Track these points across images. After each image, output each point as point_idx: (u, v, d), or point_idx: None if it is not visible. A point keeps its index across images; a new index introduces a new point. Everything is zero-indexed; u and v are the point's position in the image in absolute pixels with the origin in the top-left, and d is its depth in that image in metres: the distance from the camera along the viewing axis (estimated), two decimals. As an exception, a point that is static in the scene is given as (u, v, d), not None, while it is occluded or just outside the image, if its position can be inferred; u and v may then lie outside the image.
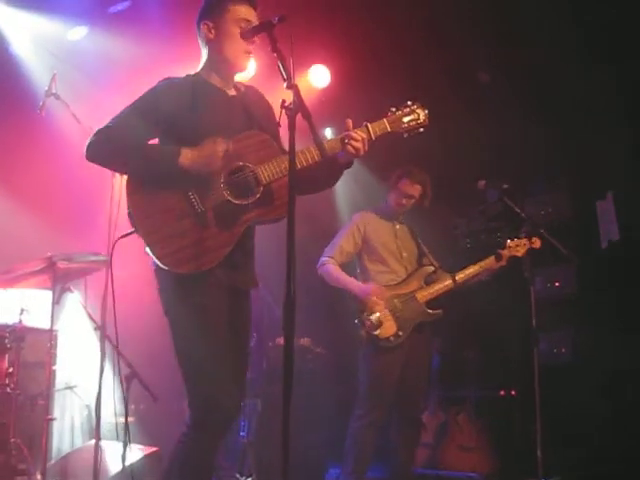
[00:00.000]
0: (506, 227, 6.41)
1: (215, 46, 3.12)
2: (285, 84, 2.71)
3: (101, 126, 2.95)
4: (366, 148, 3.01)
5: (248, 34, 3.05)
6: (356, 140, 2.97)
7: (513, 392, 6.13)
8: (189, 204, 2.89)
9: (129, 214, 2.92)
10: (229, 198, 2.92)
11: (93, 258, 4.08)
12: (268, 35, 2.81)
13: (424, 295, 4.70)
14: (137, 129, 2.93)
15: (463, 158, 6.33)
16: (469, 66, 6.55)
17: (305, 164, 2.96)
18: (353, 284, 4.69)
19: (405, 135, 3.13)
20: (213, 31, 3.10)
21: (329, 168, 3.09)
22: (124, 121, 2.94)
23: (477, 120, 6.47)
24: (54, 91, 4.01)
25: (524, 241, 4.81)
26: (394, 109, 3.13)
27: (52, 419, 4.00)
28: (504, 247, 4.81)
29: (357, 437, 4.58)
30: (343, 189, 6.81)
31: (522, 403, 5.88)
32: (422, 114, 3.13)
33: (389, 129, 3.09)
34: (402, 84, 6.10)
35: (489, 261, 4.80)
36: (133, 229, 2.92)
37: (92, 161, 2.95)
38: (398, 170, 4.89)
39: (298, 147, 2.87)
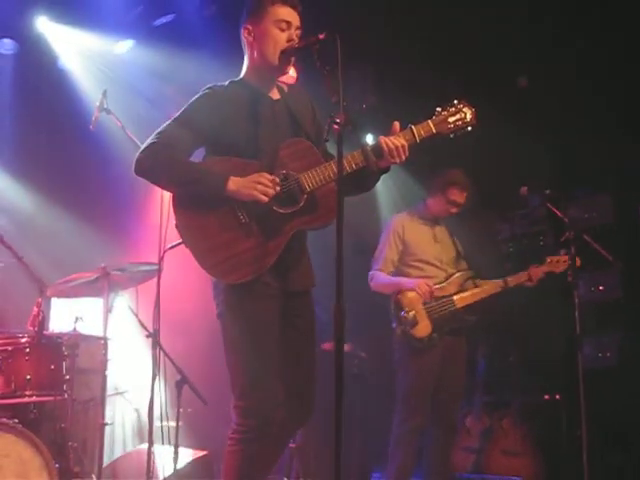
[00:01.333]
0: (549, 231, 6.44)
1: (255, 49, 3.10)
2: (333, 99, 2.74)
3: (147, 141, 2.99)
4: (407, 153, 2.99)
5: (292, 52, 3.04)
6: (392, 146, 2.96)
7: (558, 396, 6.09)
8: (234, 215, 2.95)
9: (176, 226, 2.99)
10: (273, 207, 2.95)
11: (145, 268, 4.19)
12: (314, 52, 2.84)
13: (462, 300, 4.72)
14: (183, 144, 2.97)
15: (507, 163, 6.32)
16: (509, 71, 6.58)
17: (349, 170, 2.95)
18: (403, 279, 4.72)
19: (452, 136, 3.07)
20: (253, 34, 3.10)
21: (367, 174, 3.07)
22: (170, 136, 2.97)
23: (520, 125, 6.49)
24: (105, 106, 4.13)
25: (564, 258, 4.80)
26: (439, 109, 3.08)
27: (105, 424, 4.10)
28: (543, 262, 4.83)
29: (400, 443, 4.59)
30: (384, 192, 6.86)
31: (567, 408, 5.86)
32: (469, 113, 3.06)
33: (434, 130, 3.03)
34: (442, 89, 6.12)
35: (520, 276, 4.82)
36: (180, 240, 3.00)
37: (141, 176, 3.00)
38: (443, 176, 4.87)
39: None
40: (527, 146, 6.22)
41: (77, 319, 4.36)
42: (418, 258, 4.82)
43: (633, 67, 5.48)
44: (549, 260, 4.82)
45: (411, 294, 4.65)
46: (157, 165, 2.95)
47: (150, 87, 5.96)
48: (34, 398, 3.97)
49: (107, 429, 4.97)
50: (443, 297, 4.70)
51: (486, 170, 6.14)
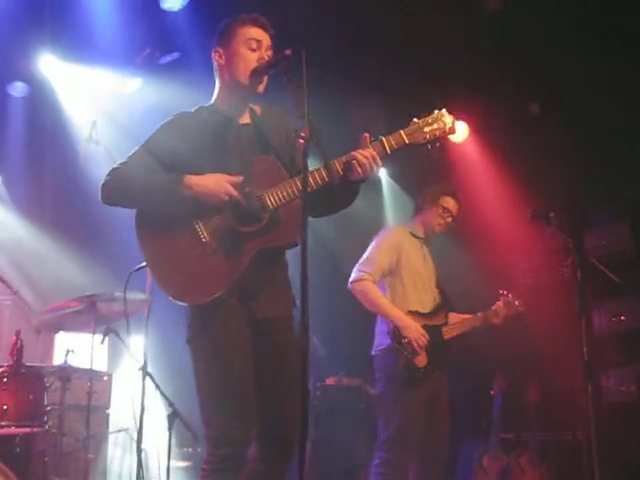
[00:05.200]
0: (566, 261, 6.25)
1: (226, 71, 3.07)
2: (298, 113, 2.71)
3: (111, 167, 2.98)
4: (378, 164, 2.89)
5: (262, 69, 3.00)
6: (363, 159, 2.86)
7: (579, 433, 5.83)
8: (194, 235, 2.88)
9: (140, 248, 2.92)
10: (234, 225, 2.88)
11: (133, 297, 4.13)
12: (283, 68, 2.79)
13: (447, 332, 4.52)
14: (146, 167, 2.93)
15: (526, 192, 6.21)
16: (523, 98, 6.52)
17: (314, 186, 2.86)
18: (395, 313, 4.38)
19: (429, 146, 2.96)
20: (224, 56, 3.07)
21: (342, 187, 2.96)
22: (133, 160, 2.96)
23: (537, 152, 6.40)
24: (94, 138, 4.13)
25: (515, 301, 4.73)
26: (415, 119, 2.96)
27: (91, 458, 4.02)
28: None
29: None
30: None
31: (588, 444, 5.59)
32: (449, 122, 2.95)
33: (407, 141, 2.92)
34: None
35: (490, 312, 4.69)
36: (145, 263, 2.93)
37: (106, 203, 2.98)
38: (435, 188, 4.75)
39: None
40: (549, 173, 6.16)
41: (68, 352, 4.31)
42: (412, 275, 4.58)
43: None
44: (503, 299, 4.71)
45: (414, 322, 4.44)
46: (117, 185, 2.93)
47: (156, 123, 6.00)
48: (12, 429, 3.90)
49: (102, 466, 4.94)
50: (434, 327, 4.49)
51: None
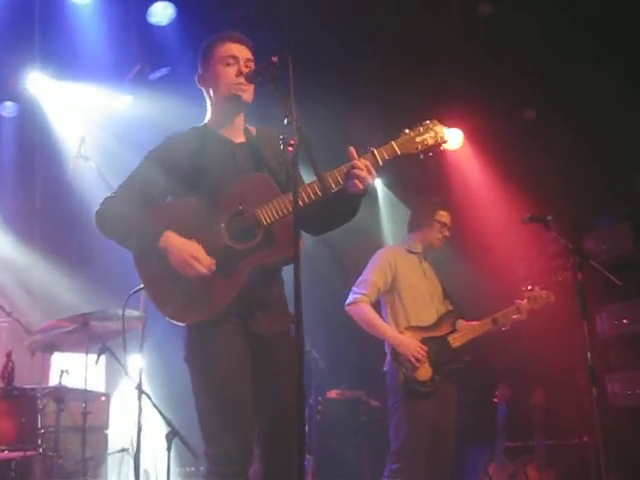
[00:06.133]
0: (566, 265, 6.19)
1: (210, 91, 3.12)
2: (285, 120, 2.69)
3: (105, 196, 3.00)
4: (373, 175, 2.87)
5: (252, 77, 2.97)
6: (360, 169, 2.83)
7: (586, 439, 5.74)
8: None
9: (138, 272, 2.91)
10: (228, 243, 2.86)
11: (127, 314, 4.06)
12: (270, 74, 2.78)
13: (455, 340, 4.50)
14: (138, 196, 2.95)
15: (524, 197, 6.17)
16: (517, 102, 6.49)
17: (307, 200, 2.84)
18: (389, 332, 4.45)
19: (421, 156, 2.95)
20: (205, 78, 3.12)
21: (341, 201, 2.93)
22: (126, 191, 2.98)
23: (534, 157, 6.37)
24: (83, 153, 4.08)
25: (542, 294, 4.66)
26: (407, 130, 2.96)
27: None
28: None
29: None
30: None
31: (595, 449, 5.50)
32: (440, 131, 2.95)
33: (398, 152, 2.91)
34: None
35: (508, 311, 4.62)
36: (142, 285, 2.92)
37: (99, 231, 2.99)
38: (428, 204, 4.78)
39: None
40: (550, 177, 6.12)
41: (62, 372, 4.23)
42: (411, 291, 4.60)
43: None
44: (527, 295, 4.64)
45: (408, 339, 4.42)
46: (106, 223, 2.96)
47: (147, 139, 5.97)
48: (5, 453, 3.83)
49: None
50: (438, 338, 4.48)
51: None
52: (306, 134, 2.75)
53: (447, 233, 4.74)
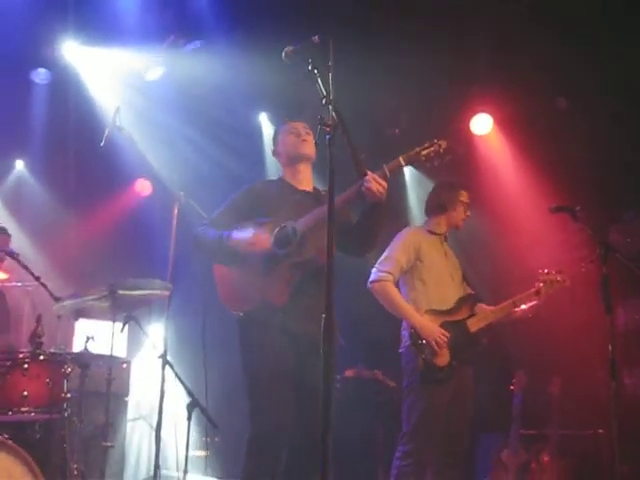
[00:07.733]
0: (590, 256, 6.16)
1: (281, 157, 3.88)
2: (324, 100, 2.72)
3: (200, 223, 3.73)
4: (385, 185, 3.38)
5: (292, 54, 2.97)
6: (370, 182, 3.33)
7: (600, 430, 5.75)
8: (254, 258, 3.54)
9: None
10: (273, 248, 3.50)
11: (155, 284, 4.10)
12: (310, 55, 2.84)
13: (474, 324, 4.48)
14: (227, 227, 3.61)
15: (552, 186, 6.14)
16: (549, 91, 6.44)
17: (340, 202, 3.32)
18: (415, 317, 4.38)
19: (428, 165, 3.55)
20: (278, 149, 3.88)
21: (366, 212, 3.55)
22: (219, 219, 3.69)
23: (563, 146, 6.33)
24: (118, 124, 4.08)
25: (557, 277, 4.64)
26: (418, 148, 3.52)
27: (108, 446, 4.01)
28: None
29: (403, 477, 4.26)
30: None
31: (610, 441, 5.52)
32: (444, 145, 3.50)
33: (403, 163, 3.50)
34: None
35: (527, 295, 4.59)
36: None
37: (195, 250, 3.70)
38: (448, 188, 4.78)
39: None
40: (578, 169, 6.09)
41: (88, 339, 4.29)
42: (433, 271, 4.57)
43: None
44: (543, 279, 4.61)
45: (431, 323, 4.42)
46: (204, 245, 3.66)
47: (180, 108, 6.01)
48: (32, 415, 3.90)
49: (119, 453, 4.93)
50: (457, 322, 4.46)
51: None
52: (344, 117, 2.79)
53: (469, 213, 4.74)
